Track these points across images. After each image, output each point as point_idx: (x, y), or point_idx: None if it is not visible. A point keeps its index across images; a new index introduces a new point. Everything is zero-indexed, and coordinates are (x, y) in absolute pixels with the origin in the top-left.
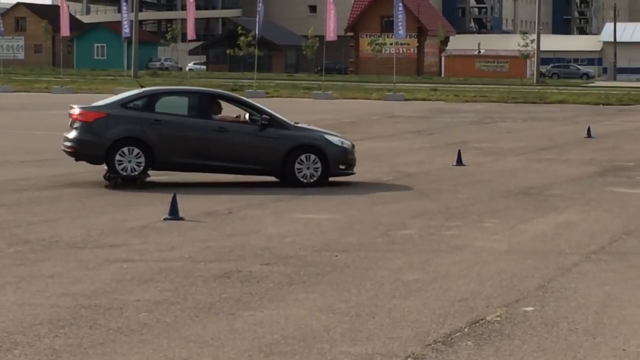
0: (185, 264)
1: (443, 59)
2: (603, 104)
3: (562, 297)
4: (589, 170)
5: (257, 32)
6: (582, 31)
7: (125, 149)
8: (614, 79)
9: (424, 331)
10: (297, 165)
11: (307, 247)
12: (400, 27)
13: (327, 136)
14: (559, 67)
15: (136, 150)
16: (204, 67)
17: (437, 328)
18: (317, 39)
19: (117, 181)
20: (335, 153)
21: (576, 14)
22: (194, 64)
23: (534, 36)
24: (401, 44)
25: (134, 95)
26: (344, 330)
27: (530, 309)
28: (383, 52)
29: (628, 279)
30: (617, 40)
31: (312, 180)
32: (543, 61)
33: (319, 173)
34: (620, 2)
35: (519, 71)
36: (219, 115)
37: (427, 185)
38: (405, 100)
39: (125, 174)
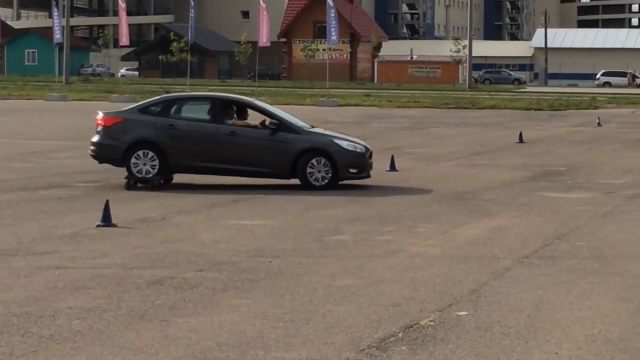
0: (118, 270)
1: (376, 64)
2: (534, 109)
3: (495, 301)
4: (521, 175)
5: (189, 38)
6: (514, 37)
7: (140, 152)
8: (545, 84)
9: (358, 336)
10: (309, 169)
11: (241, 253)
12: (333, 33)
13: (337, 140)
14: (490, 72)
15: (150, 154)
16: (136, 73)
17: (371, 333)
18: (250, 44)
19: (130, 182)
20: (344, 157)
21: (507, 20)
22: (126, 69)
23: (466, 42)
24: (334, 49)
25: (151, 101)
26: (278, 336)
27: (464, 313)
28: (316, 57)
29: (560, 282)
30: (548, 45)
31: (323, 183)
32: (475, 67)
33: (330, 176)
34: (551, 8)
35: (452, 77)
36: (232, 120)
37: (361, 190)
38: (339, 105)
39: (140, 176)
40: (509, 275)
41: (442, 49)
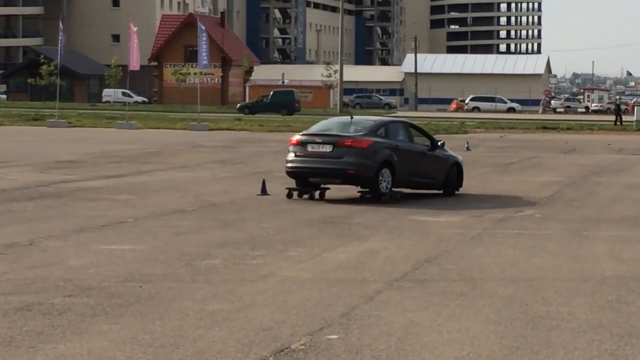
0: None
1: (247, 88)
2: None
3: (365, 324)
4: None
5: (58, 61)
6: (384, 62)
7: (383, 170)
8: (415, 109)
9: None
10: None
11: (111, 278)
12: (205, 57)
13: (459, 156)
14: (361, 97)
15: (387, 172)
16: (4, 96)
17: (242, 357)
18: (121, 68)
19: (386, 197)
20: (462, 169)
21: (378, 45)
22: None
23: (337, 67)
24: (205, 73)
25: (377, 123)
26: None
27: (335, 336)
28: (187, 81)
29: (429, 305)
30: (418, 71)
31: (456, 192)
32: (346, 91)
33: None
34: (420, 34)
35: (323, 101)
36: (416, 140)
37: (232, 215)
38: (210, 130)
39: (382, 192)
40: (380, 298)
41: (313, 74)
